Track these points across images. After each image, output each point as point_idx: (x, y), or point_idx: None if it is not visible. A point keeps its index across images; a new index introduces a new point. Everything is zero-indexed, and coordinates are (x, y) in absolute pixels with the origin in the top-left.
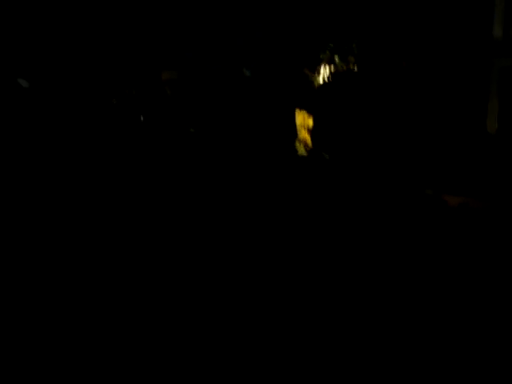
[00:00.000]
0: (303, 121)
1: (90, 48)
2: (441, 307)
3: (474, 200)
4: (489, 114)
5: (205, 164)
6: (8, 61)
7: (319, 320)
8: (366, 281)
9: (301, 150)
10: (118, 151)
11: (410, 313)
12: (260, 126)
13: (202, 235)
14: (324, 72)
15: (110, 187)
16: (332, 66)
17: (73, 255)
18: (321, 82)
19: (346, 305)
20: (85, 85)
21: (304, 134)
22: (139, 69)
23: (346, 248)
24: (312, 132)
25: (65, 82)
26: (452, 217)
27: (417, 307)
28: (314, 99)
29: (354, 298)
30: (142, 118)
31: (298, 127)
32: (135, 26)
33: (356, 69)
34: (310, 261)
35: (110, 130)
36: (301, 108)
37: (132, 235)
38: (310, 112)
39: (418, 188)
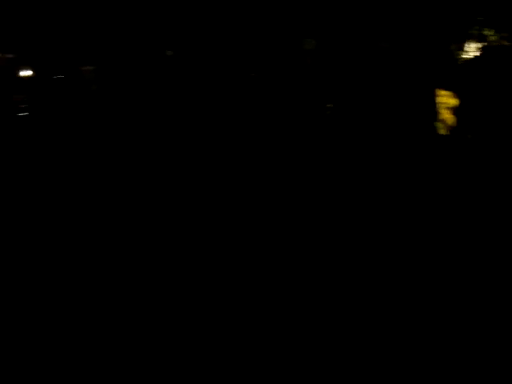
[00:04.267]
0: (445, 100)
1: None
2: None
3: None
4: None
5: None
6: None
7: None
8: None
9: (441, 130)
10: None
11: None
12: (397, 103)
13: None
14: (471, 48)
15: None
16: (480, 43)
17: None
18: (467, 58)
19: None
20: None
21: (445, 114)
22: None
23: None
24: (455, 112)
25: None
26: None
27: None
28: (458, 77)
29: None
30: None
31: (440, 107)
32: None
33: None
34: None
35: None
36: (443, 87)
37: None
38: (454, 91)
39: None
